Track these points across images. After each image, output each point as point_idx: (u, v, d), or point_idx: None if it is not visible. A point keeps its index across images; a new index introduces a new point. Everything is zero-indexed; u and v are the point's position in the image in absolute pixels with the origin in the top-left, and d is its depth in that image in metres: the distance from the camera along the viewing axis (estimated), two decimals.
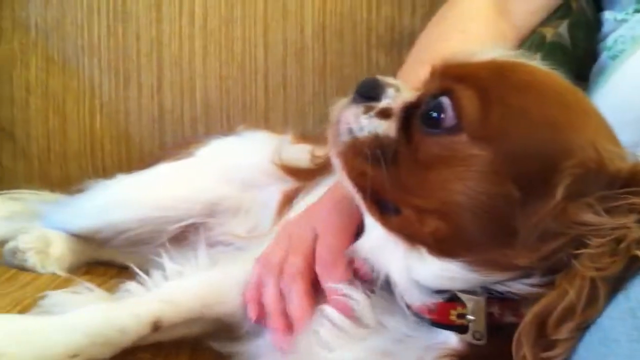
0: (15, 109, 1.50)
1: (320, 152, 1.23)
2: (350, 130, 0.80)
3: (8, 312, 0.91)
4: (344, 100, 0.83)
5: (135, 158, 1.48)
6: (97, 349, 0.83)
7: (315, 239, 0.91)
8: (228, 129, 1.42)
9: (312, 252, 0.91)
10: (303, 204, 1.10)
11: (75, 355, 0.82)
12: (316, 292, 0.89)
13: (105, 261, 1.26)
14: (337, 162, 0.82)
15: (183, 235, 1.20)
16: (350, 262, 0.86)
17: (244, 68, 1.48)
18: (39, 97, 1.49)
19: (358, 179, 0.79)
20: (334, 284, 0.86)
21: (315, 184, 1.15)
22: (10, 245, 1.17)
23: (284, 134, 1.33)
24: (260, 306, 0.92)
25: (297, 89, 1.49)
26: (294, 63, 1.48)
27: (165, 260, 1.03)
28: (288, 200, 1.19)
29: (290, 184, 1.21)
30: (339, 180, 0.98)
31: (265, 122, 1.47)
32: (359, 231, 0.88)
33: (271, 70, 1.49)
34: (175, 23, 1.47)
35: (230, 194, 1.21)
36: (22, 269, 1.14)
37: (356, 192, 0.80)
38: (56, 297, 0.94)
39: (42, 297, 0.94)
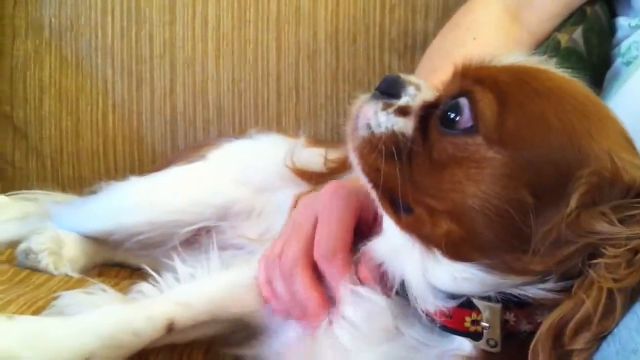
0: (28, 109, 1.50)
1: (333, 155, 1.23)
2: (368, 126, 0.80)
3: (22, 313, 0.91)
4: (364, 96, 0.84)
5: (148, 159, 1.49)
6: (110, 352, 0.84)
7: (315, 223, 0.91)
8: (240, 132, 1.42)
9: (311, 237, 0.91)
10: None
11: (88, 358, 0.82)
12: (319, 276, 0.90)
13: (117, 263, 1.26)
14: (353, 157, 0.82)
15: (195, 239, 1.21)
16: (357, 261, 0.86)
17: (257, 71, 1.49)
18: (53, 97, 1.50)
19: (373, 174, 0.80)
20: (336, 275, 0.87)
21: None
22: (23, 246, 1.17)
23: (296, 137, 1.33)
24: (280, 301, 0.93)
25: (309, 92, 1.49)
26: (306, 66, 1.48)
27: (177, 263, 1.03)
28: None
29: (303, 187, 1.21)
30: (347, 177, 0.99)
31: (277, 125, 1.48)
32: (369, 230, 0.88)
33: (283, 74, 1.49)
34: (188, 25, 1.48)
35: (242, 197, 1.21)
36: (35, 270, 1.15)
37: (371, 187, 0.81)
38: (70, 297, 0.94)
39: (56, 298, 0.94)
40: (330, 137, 1.46)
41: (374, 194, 0.81)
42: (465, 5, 1.23)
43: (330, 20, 1.47)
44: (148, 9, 1.47)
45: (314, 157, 1.25)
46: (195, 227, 1.20)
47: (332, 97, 1.49)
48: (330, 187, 0.94)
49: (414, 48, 1.45)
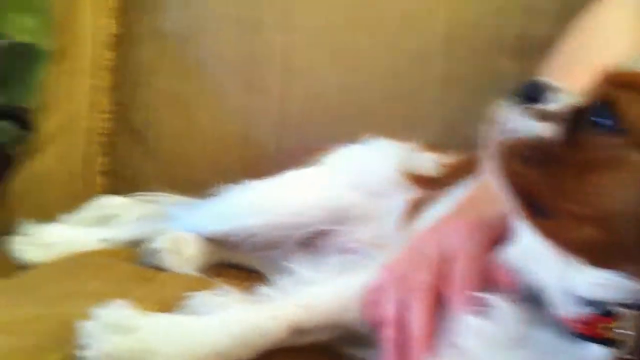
0: (147, 113, 1.56)
1: (446, 160, 1.23)
2: (509, 131, 0.80)
3: (152, 311, 0.94)
4: (504, 101, 0.83)
5: (261, 164, 1.51)
6: (239, 350, 0.86)
7: (445, 257, 0.91)
8: (351, 137, 1.42)
9: (440, 270, 0.90)
10: (431, 213, 1.10)
11: (218, 355, 0.84)
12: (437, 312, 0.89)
13: (234, 264, 1.29)
14: (493, 162, 0.82)
15: (311, 241, 1.22)
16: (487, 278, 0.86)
17: (368, 76, 1.49)
18: (170, 102, 1.55)
19: (513, 180, 0.79)
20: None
21: (442, 193, 1.15)
22: (147, 245, 1.22)
23: (407, 142, 1.33)
24: (377, 311, 0.92)
25: (420, 97, 1.48)
26: (418, 71, 1.48)
27: (296, 266, 1.05)
28: (414, 209, 1.18)
29: (415, 192, 1.21)
30: (470, 195, 0.99)
31: (388, 130, 1.47)
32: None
33: (395, 78, 1.49)
34: (302, 31, 1.50)
35: (356, 202, 1.22)
36: (159, 268, 1.19)
37: (510, 193, 0.80)
38: (199, 298, 0.97)
39: (185, 297, 0.97)
40: (441, 143, 1.44)
41: (512, 200, 0.80)
42: (591, 8, 1.20)
43: (443, 24, 1.46)
44: (264, 16, 1.50)
45: (426, 163, 1.25)
46: (311, 229, 1.21)
47: (443, 102, 1.48)
48: (463, 218, 0.94)
49: (530, 53, 1.41)
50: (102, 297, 0.86)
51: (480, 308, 0.83)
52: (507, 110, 0.81)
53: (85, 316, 0.81)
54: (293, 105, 1.51)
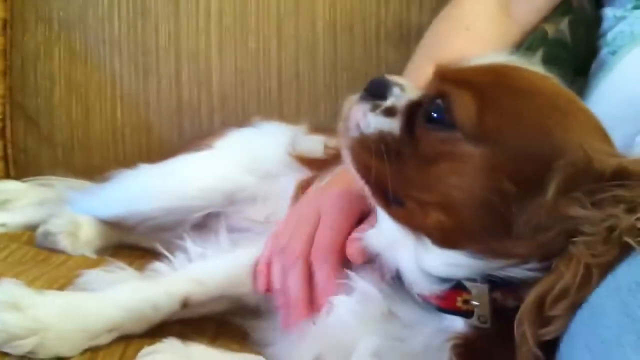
0: (39, 99, 1.56)
1: (333, 143, 1.30)
2: (358, 126, 0.86)
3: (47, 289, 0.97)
4: (354, 97, 0.89)
5: (155, 147, 1.55)
6: (133, 324, 0.90)
7: (318, 222, 0.97)
8: (243, 120, 1.48)
9: (313, 235, 0.97)
10: None
11: (112, 330, 0.89)
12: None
13: (130, 244, 1.33)
14: (346, 155, 0.88)
15: (203, 222, 1.27)
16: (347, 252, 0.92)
17: (258, 61, 1.55)
18: (62, 88, 1.56)
19: (364, 172, 0.85)
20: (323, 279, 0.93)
21: (329, 173, 1.21)
22: (42, 228, 1.24)
23: (297, 125, 1.39)
24: (269, 280, 0.99)
25: (309, 81, 1.55)
26: (306, 57, 1.55)
27: (189, 244, 1.10)
28: (303, 189, 1.25)
29: (304, 173, 1.27)
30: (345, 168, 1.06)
31: (279, 113, 1.54)
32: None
33: (284, 64, 1.55)
34: (192, 17, 1.54)
35: (249, 184, 1.27)
36: (54, 251, 1.21)
37: (364, 184, 0.86)
38: (91, 275, 1.01)
39: (78, 276, 1.01)
40: (329, 125, 1.51)
41: (366, 189, 0.87)
42: None
43: (328, 11, 1.53)
44: (153, 2, 1.53)
45: (315, 145, 1.31)
46: (205, 212, 1.26)
47: (330, 86, 1.55)
48: (337, 187, 1.00)
49: (409, 38, 1.51)
50: None
51: (345, 282, 0.91)
52: (355, 107, 0.88)
53: None
54: (185, 91, 1.55)
